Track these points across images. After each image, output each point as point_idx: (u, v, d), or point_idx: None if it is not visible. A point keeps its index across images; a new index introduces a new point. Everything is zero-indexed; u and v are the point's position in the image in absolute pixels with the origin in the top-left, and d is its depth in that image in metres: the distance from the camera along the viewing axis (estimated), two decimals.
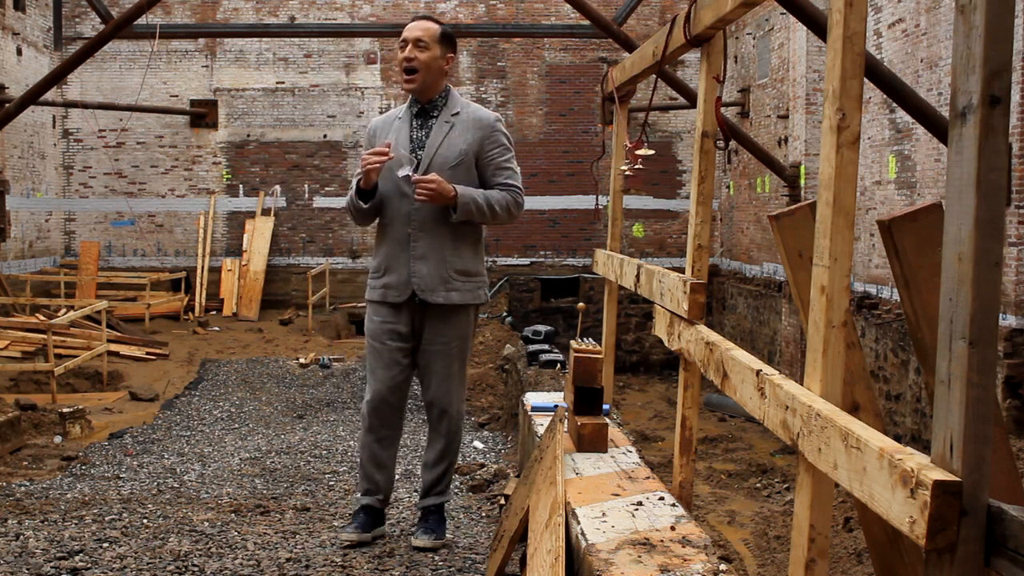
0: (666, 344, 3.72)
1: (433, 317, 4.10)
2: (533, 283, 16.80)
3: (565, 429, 4.19)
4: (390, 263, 4.12)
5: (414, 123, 4.15)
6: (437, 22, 4.17)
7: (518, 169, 4.20)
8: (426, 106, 4.14)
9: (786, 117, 13.07)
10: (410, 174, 3.98)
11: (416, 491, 5.15)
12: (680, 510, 3.32)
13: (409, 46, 4.07)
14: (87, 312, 10.98)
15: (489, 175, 4.09)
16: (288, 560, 4.04)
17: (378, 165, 3.97)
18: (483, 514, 4.90)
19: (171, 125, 16.79)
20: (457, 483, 5.56)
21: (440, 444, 4.23)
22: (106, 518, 4.77)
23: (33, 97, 9.22)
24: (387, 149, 3.98)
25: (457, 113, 4.11)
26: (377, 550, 4.13)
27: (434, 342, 4.12)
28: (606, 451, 4.09)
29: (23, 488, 5.72)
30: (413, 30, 4.09)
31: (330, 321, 15.16)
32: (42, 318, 10.48)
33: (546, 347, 8.66)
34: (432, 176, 3.94)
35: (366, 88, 16.87)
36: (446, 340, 4.12)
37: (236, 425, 7.96)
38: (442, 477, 4.25)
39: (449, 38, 4.15)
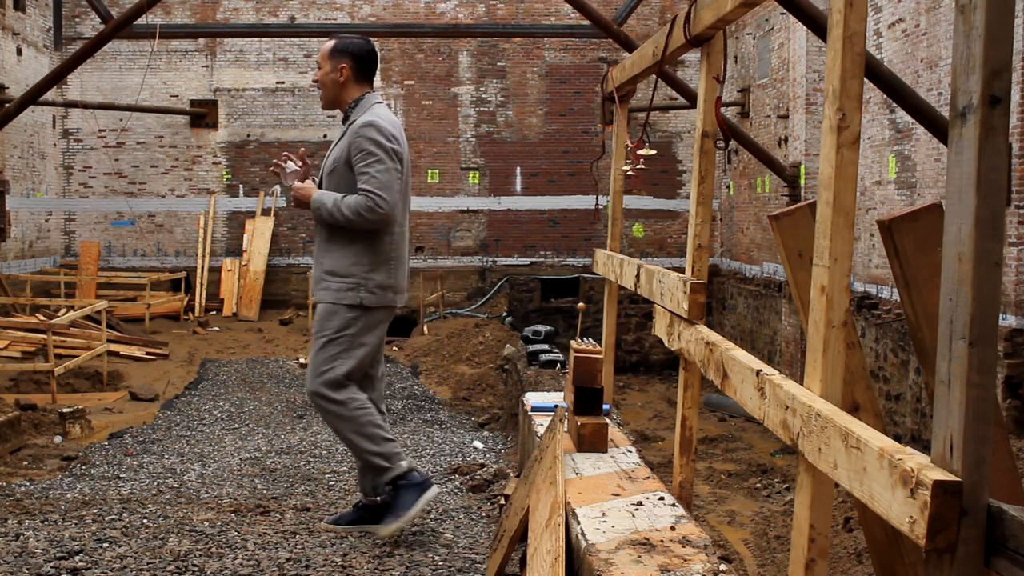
0: (666, 344, 3.72)
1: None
2: (533, 283, 16.79)
3: (565, 429, 4.19)
4: None
5: (339, 133, 4.45)
6: (337, 37, 4.39)
7: (380, 172, 4.10)
8: (343, 117, 4.39)
9: (786, 117, 13.07)
10: (291, 183, 4.39)
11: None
12: (680, 510, 3.32)
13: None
14: (87, 312, 10.98)
15: (356, 180, 4.16)
16: (288, 560, 4.04)
17: (274, 171, 4.45)
18: (483, 514, 4.90)
19: (171, 125, 16.79)
20: (457, 483, 5.57)
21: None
22: (106, 518, 4.77)
23: (33, 97, 9.23)
24: (287, 154, 4.44)
25: (354, 122, 4.25)
26: (377, 550, 4.14)
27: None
28: (606, 451, 4.09)
29: (23, 488, 5.72)
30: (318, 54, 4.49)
31: None
32: (42, 318, 10.48)
33: (546, 347, 8.65)
34: (298, 184, 4.30)
35: None
36: (321, 332, 4.23)
37: (236, 425, 7.96)
38: (363, 467, 4.27)
39: (340, 50, 4.31)
